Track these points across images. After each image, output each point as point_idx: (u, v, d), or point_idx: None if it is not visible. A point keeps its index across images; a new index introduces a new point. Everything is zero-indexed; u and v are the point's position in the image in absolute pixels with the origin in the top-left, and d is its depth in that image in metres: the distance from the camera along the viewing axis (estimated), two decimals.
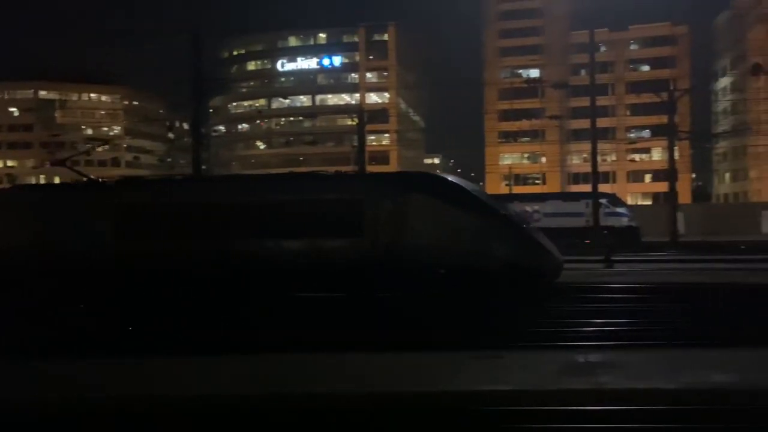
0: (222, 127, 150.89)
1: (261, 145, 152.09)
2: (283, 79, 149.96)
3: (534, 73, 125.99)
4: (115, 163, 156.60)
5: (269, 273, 21.08)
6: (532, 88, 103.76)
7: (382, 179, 23.14)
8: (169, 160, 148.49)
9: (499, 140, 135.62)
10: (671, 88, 68.30)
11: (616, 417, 10.54)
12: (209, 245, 21.52)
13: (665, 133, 57.00)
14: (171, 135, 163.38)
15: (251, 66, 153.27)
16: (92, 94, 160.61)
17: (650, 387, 11.34)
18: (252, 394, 11.79)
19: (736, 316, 18.70)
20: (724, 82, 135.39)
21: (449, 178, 22.66)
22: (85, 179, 25.54)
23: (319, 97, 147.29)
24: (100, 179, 25.41)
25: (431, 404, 11.26)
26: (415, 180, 22.26)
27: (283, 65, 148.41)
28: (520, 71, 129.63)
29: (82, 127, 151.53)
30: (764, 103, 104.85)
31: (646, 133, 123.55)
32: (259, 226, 21.39)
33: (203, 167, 49.83)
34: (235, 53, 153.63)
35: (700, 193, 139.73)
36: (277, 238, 21.27)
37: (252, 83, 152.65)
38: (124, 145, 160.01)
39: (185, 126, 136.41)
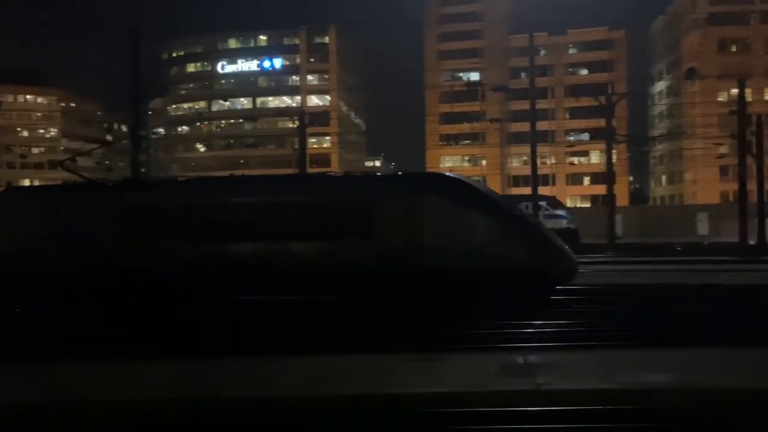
0: (161, 130, 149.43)
1: (201, 148, 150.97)
2: (223, 81, 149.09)
3: (474, 76, 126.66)
4: (52, 165, 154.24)
5: (278, 276, 20.52)
6: (472, 91, 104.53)
7: (394, 180, 22.50)
8: (107, 162, 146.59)
9: (440, 143, 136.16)
10: (609, 91, 69.18)
11: (554, 417, 10.63)
12: (213, 248, 20.87)
13: (603, 136, 57.66)
14: (109, 137, 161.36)
15: (191, 68, 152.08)
16: (28, 96, 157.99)
17: (588, 387, 11.45)
18: (186, 397, 11.65)
19: (672, 317, 18.97)
20: (661, 86, 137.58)
21: (462, 179, 22.04)
22: (83, 180, 24.74)
23: (259, 100, 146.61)
24: (101, 181, 24.76)
25: (370, 407, 11.23)
26: (428, 180, 21.82)
27: (224, 67, 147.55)
28: (461, 74, 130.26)
29: (18, 129, 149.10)
30: (699, 107, 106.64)
31: (585, 137, 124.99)
32: (266, 227, 20.78)
33: (142, 170, 49.31)
34: (174, 55, 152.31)
35: (638, 196, 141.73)
36: (287, 240, 20.62)
37: (192, 85, 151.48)
38: (61, 148, 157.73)
39: (124, 128, 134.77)
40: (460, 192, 20.79)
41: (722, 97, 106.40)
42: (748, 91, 54.47)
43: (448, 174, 22.82)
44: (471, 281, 19.61)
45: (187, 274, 20.91)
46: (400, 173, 24.45)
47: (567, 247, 21.29)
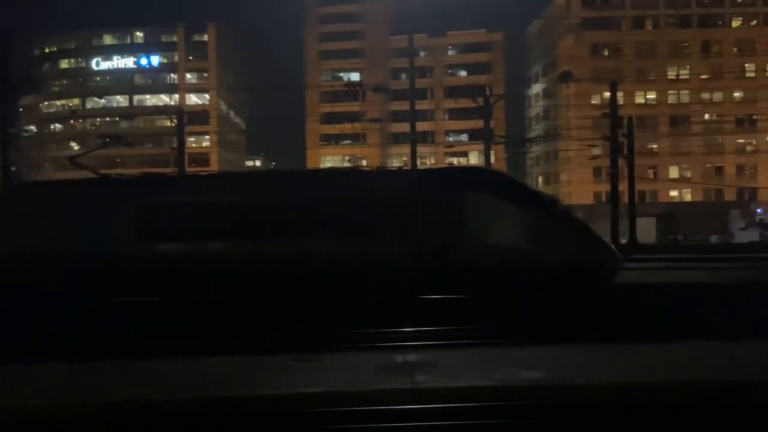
0: (33, 127, 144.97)
1: (75, 146, 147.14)
2: (98, 78, 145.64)
3: (355, 76, 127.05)
4: None
5: (306, 275, 19.69)
6: (353, 91, 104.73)
7: (431, 175, 21.62)
8: None
9: (321, 143, 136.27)
10: (487, 93, 70.25)
11: (431, 415, 10.71)
12: (237, 247, 19.90)
13: (482, 137, 58.57)
14: None
15: (64, 64, 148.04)
16: None
17: (465, 385, 11.55)
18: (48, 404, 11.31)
19: (549, 314, 19.30)
20: (537, 88, 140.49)
21: (503, 174, 21.29)
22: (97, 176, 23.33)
23: (136, 98, 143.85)
24: (117, 176, 23.59)
25: (250, 408, 11.10)
26: (468, 175, 21.02)
27: (98, 64, 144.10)
28: (341, 74, 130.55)
29: None
30: (574, 109, 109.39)
31: (464, 137, 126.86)
32: (295, 225, 19.77)
33: (13, 169, 47.81)
34: (47, 51, 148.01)
35: None
36: (319, 238, 19.66)
37: (65, 82, 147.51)
38: None
39: None
40: (501, 187, 20.19)
41: (595, 100, 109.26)
42: (619, 95, 56.11)
43: (489, 169, 22.18)
44: (515, 278, 19.05)
45: (217, 272, 19.99)
46: (439, 168, 23.53)
47: (610, 243, 20.61)
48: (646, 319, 18.56)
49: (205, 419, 10.93)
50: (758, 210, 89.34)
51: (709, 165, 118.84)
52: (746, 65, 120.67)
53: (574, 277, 19.30)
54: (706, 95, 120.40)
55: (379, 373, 12.43)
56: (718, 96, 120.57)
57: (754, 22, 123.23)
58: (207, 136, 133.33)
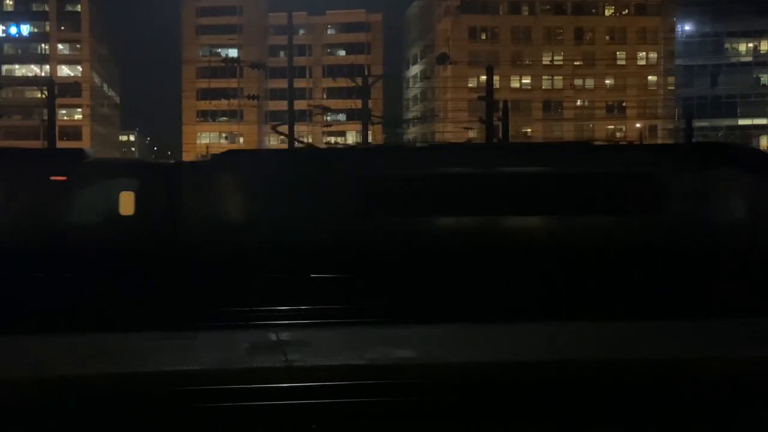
0: None
1: None
2: None
3: (233, 52, 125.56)
4: None
5: (539, 253, 18.36)
6: (230, 67, 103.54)
7: (678, 150, 20.15)
8: None
9: (198, 119, 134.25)
10: (366, 73, 70.34)
11: (304, 393, 10.83)
12: (463, 222, 18.50)
13: (359, 117, 58.67)
14: None
15: None
16: None
17: (338, 363, 11.70)
18: None
19: (422, 294, 19.56)
20: (415, 70, 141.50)
21: (757, 150, 20.05)
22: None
23: (5, 67, 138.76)
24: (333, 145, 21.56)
25: (120, 386, 10.99)
26: (719, 150, 19.94)
27: None
28: (219, 50, 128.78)
29: None
30: (451, 92, 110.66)
31: (342, 117, 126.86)
32: (532, 200, 18.46)
33: None
34: None
35: None
36: (552, 215, 18.53)
37: None
38: None
39: None
40: (758, 163, 19.15)
41: (472, 83, 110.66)
42: (495, 78, 56.98)
43: (742, 144, 21.18)
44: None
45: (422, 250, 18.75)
46: (686, 143, 22.03)
47: None
48: None
49: (67, 398, 10.76)
50: None
51: None
52: (617, 53, 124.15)
53: None
54: (578, 82, 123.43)
55: (253, 352, 12.47)
56: (590, 83, 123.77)
57: (626, 11, 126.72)
58: (79, 109, 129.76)
